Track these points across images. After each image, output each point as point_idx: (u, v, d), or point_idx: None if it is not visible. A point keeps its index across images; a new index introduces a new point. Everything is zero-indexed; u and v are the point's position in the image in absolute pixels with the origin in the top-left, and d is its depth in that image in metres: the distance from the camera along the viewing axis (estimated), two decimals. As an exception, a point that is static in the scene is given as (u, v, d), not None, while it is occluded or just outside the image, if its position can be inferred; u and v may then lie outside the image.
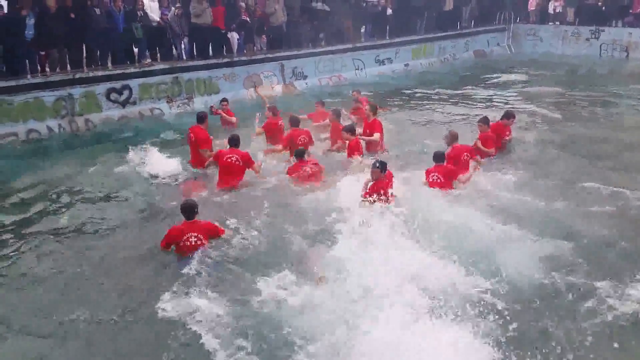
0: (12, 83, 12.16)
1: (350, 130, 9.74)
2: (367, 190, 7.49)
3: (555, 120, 13.09)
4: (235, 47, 15.73)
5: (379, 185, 7.40)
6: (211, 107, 11.81)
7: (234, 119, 11.70)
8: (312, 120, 11.45)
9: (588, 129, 12.39)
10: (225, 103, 11.98)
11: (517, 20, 24.61)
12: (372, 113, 10.25)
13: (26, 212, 8.27)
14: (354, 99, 12.25)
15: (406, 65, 20.26)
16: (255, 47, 16.30)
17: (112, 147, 11.46)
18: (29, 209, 8.36)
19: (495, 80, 18.29)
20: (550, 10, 23.74)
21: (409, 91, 16.61)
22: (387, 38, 19.94)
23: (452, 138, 9.03)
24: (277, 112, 10.72)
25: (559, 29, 23.55)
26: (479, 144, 9.68)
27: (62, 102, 12.65)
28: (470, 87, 17.05)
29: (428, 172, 8.35)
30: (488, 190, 8.47)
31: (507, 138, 10.51)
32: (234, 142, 8.94)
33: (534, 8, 24.03)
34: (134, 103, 13.75)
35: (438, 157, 8.33)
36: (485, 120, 9.99)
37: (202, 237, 6.65)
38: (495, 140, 10.01)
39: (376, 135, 10.01)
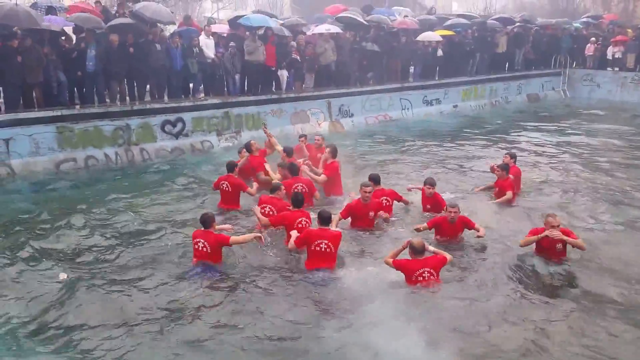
0: (74, 112, 13.05)
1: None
2: None
3: (613, 169, 12.73)
4: (284, 84, 16.29)
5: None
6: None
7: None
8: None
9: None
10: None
11: (574, 65, 24.25)
12: (331, 156, 10.17)
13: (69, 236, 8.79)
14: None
15: (455, 106, 20.31)
16: (304, 85, 16.81)
17: (163, 177, 12.15)
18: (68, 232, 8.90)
19: (548, 125, 18.06)
20: (609, 56, 23.32)
21: (452, 133, 16.73)
22: (436, 79, 20.09)
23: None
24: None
25: (618, 74, 23.09)
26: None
27: (119, 132, 13.43)
28: (519, 131, 16.95)
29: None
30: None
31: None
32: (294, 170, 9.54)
33: (591, 53, 23.66)
34: (187, 135, 14.42)
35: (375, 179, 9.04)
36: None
37: (208, 245, 7.34)
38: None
39: (322, 177, 9.94)
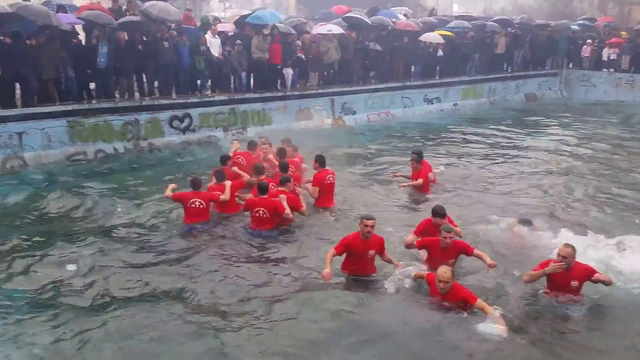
0: (85, 106, 13.36)
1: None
2: None
3: (606, 167, 13.02)
4: (289, 82, 16.64)
5: None
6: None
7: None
8: None
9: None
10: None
11: (570, 66, 24.73)
12: (280, 156, 10.30)
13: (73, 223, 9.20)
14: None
15: (455, 105, 20.72)
16: (307, 83, 17.17)
17: (170, 170, 12.44)
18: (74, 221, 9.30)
19: (545, 124, 18.52)
20: (604, 58, 23.77)
21: (450, 130, 17.15)
22: (437, 78, 20.50)
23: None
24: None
25: (613, 75, 23.53)
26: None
27: (128, 127, 13.72)
28: (516, 130, 17.35)
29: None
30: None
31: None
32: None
33: (587, 55, 24.09)
34: (194, 130, 14.72)
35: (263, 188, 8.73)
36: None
37: (203, 202, 8.78)
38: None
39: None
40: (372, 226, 6.98)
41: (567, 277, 6.38)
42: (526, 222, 8.56)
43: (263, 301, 6.66)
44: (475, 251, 7.16)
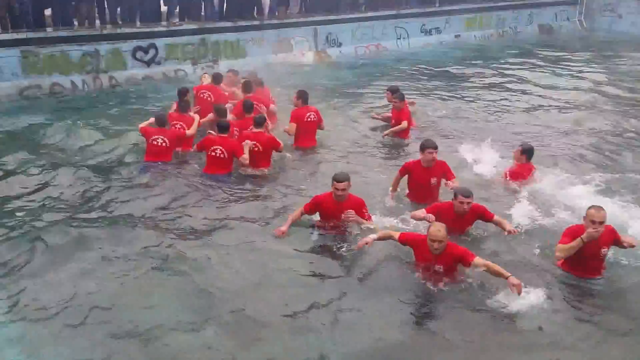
0: (40, 35, 12.73)
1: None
2: None
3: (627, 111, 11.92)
4: (266, 9, 15.88)
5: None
6: None
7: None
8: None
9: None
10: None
11: (593, -7, 23.07)
12: (244, 91, 9.89)
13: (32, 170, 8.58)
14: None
15: (457, 36, 19.62)
16: (288, 10, 16.33)
17: (133, 107, 11.86)
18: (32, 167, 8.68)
19: (561, 60, 16.96)
20: (634, -17, 21.76)
21: (449, 68, 15.78)
22: (437, 5, 19.34)
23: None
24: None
25: (644, 4, 21.83)
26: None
27: (87, 58, 13.16)
28: (526, 68, 15.88)
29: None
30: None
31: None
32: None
33: (614, -21, 22.16)
34: (159, 63, 14.13)
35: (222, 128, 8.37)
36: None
37: (167, 140, 8.47)
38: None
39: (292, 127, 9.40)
40: (344, 189, 6.36)
41: (598, 244, 5.55)
42: (528, 150, 7.64)
43: (236, 251, 6.28)
44: (496, 217, 6.37)
